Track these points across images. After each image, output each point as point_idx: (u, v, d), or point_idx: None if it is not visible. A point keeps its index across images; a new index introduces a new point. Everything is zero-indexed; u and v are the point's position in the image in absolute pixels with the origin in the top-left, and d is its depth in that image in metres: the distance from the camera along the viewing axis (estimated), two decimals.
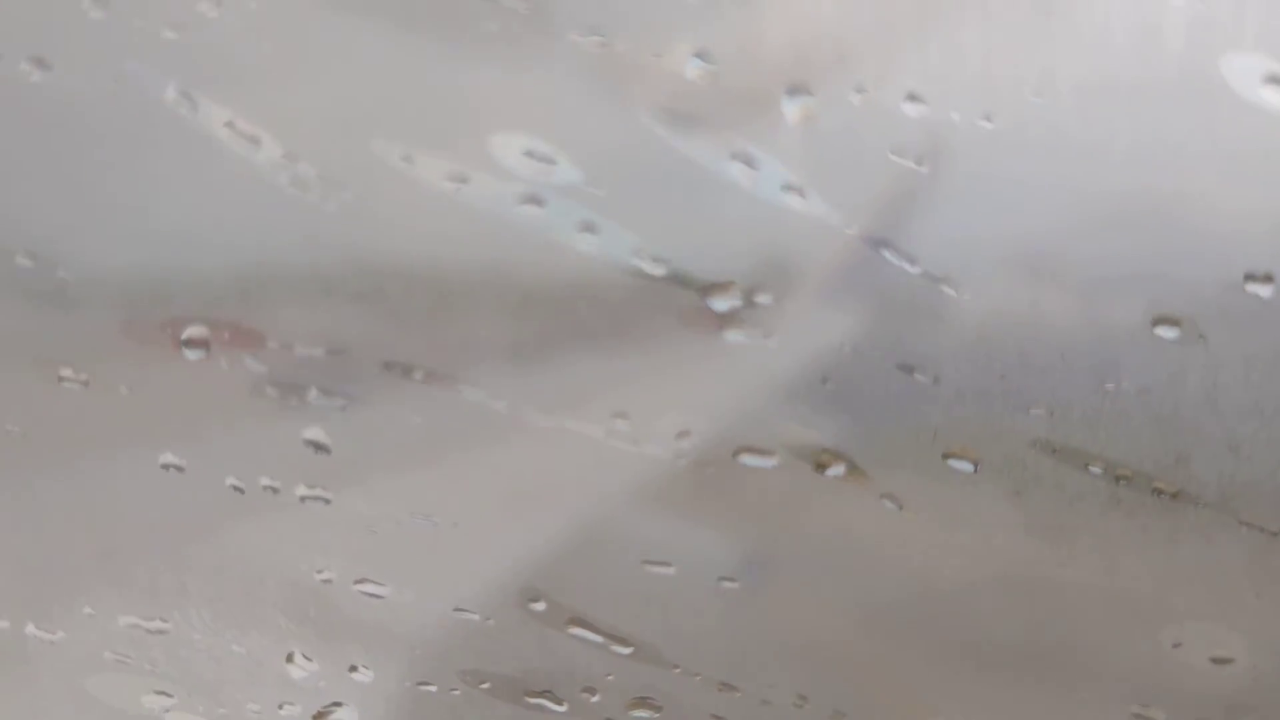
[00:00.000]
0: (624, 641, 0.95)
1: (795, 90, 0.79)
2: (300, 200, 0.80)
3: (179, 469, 0.90)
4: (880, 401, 0.89)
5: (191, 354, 0.80)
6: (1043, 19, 0.78)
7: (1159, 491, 0.90)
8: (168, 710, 1.00)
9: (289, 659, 0.97)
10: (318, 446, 0.89)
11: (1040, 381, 0.88)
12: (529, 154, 0.80)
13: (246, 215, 0.81)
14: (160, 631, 0.98)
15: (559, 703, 0.96)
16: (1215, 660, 0.92)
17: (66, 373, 0.86)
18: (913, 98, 0.80)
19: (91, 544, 0.93)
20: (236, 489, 0.91)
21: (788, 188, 0.82)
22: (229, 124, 0.80)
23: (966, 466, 0.88)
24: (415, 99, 0.81)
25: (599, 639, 0.95)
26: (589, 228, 0.81)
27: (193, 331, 0.83)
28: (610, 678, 0.96)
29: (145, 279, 0.82)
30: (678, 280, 0.84)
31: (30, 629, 0.98)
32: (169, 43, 0.77)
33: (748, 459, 0.90)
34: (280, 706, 0.99)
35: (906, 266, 0.84)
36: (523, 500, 0.91)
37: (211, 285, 0.81)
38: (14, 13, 0.79)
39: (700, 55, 0.78)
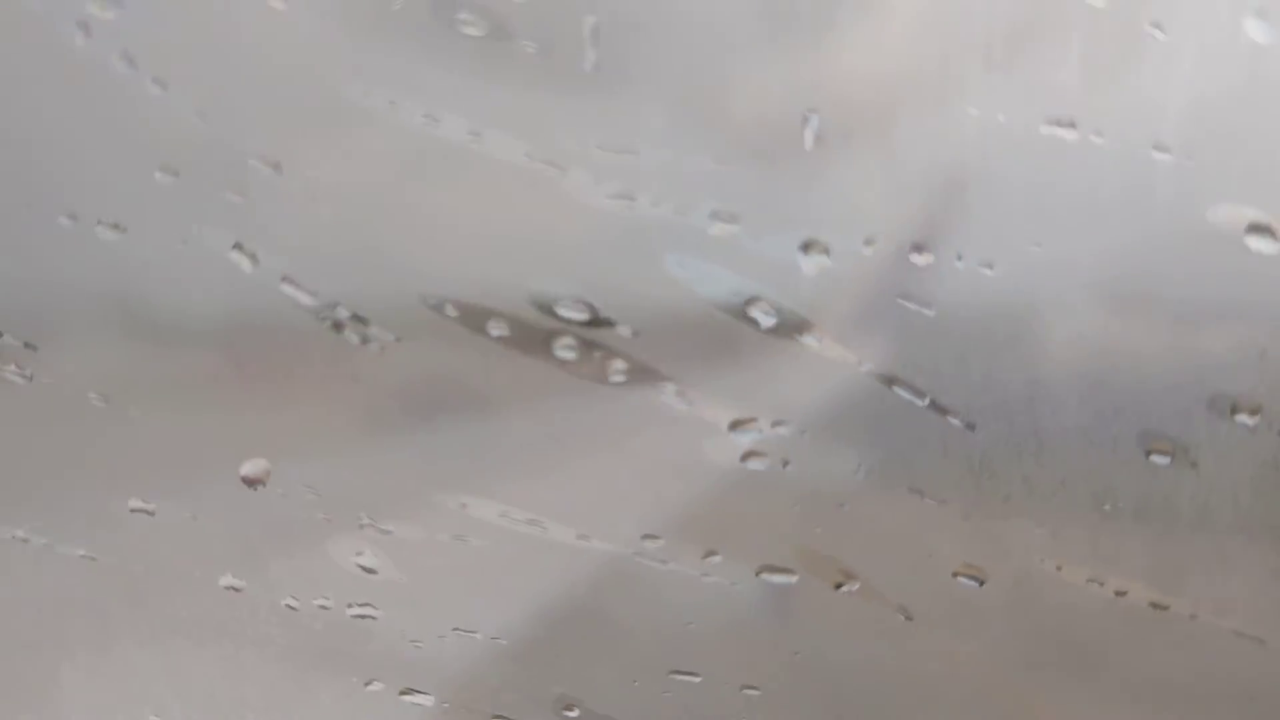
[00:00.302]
0: None
1: (809, 245, 0.84)
2: (346, 344, 0.86)
3: (237, 590, 0.96)
4: (892, 523, 0.94)
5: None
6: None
7: (1156, 605, 0.94)
8: None
9: None
10: (366, 569, 0.94)
11: (1043, 504, 0.92)
12: (567, 302, 0.85)
13: (289, 357, 0.87)
14: None
15: None
16: None
17: (136, 503, 0.92)
18: (919, 248, 0.85)
19: (156, 657, 0.98)
20: (290, 608, 0.96)
21: (804, 330, 0.87)
22: (286, 278, 0.86)
23: (973, 583, 0.94)
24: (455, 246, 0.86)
25: None
26: (618, 369, 0.87)
27: (250, 469, 0.89)
28: None
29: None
30: (702, 415, 0.90)
31: None
32: (232, 206, 0.83)
33: (770, 577, 0.95)
34: None
35: (915, 400, 0.89)
36: (557, 615, 0.95)
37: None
38: (93, 178, 0.84)
39: (719, 216, 0.83)
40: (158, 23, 0.79)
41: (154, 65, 0.79)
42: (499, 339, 0.86)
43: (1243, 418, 0.85)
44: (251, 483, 0.87)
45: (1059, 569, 0.91)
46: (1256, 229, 0.83)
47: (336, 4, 0.80)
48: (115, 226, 0.82)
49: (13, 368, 0.87)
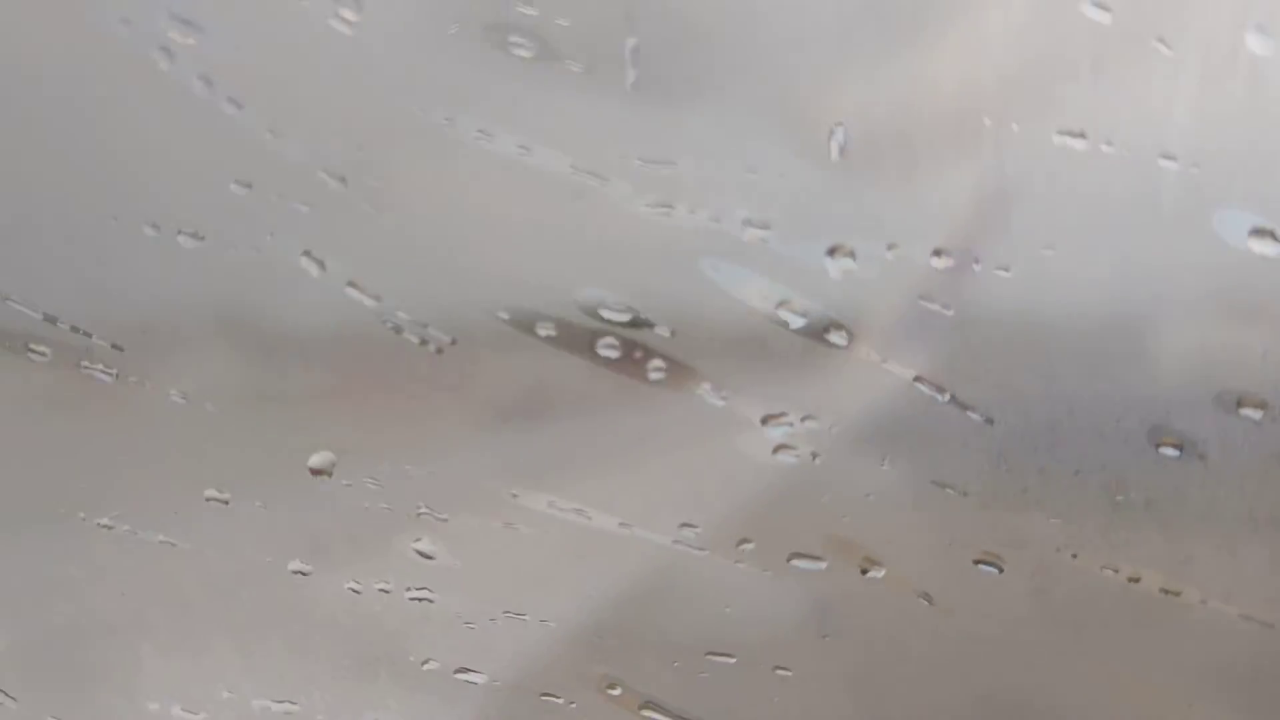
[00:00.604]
0: None
1: (835, 249, 0.88)
2: (406, 346, 0.91)
3: (304, 574, 1.00)
4: (916, 513, 0.97)
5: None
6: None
7: (1167, 591, 0.97)
8: None
9: None
10: (424, 555, 0.99)
11: (1058, 496, 0.95)
12: (610, 305, 0.90)
13: (352, 357, 0.92)
14: (289, 714, 1.08)
15: None
16: None
17: (211, 493, 0.98)
18: (938, 253, 0.89)
19: (229, 638, 1.03)
20: (354, 591, 1.00)
21: (831, 329, 0.91)
22: (351, 283, 0.91)
23: (993, 570, 0.97)
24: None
25: None
26: (657, 367, 0.91)
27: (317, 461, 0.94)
28: None
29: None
30: (735, 411, 0.93)
31: (176, 710, 1.08)
32: (301, 215, 0.88)
33: (800, 563, 0.99)
34: None
35: (936, 396, 0.92)
36: (601, 600, 0.99)
37: None
38: (174, 191, 0.89)
39: (752, 222, 0.87)
40: (233, 47, 0.84)
41: (229, 86, 0.85)
42: (547, 339, 0.91)
43: (1248, 412, 0.89)
44: (318, 473, 0.92)
45: (1074, 557, 0.94)
46: (1259, 233, 0.86)
47: (398, 29, 0.85)
48: (194, 235, 0.87)
49: (101, 367, 0.93)
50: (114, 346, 0.91)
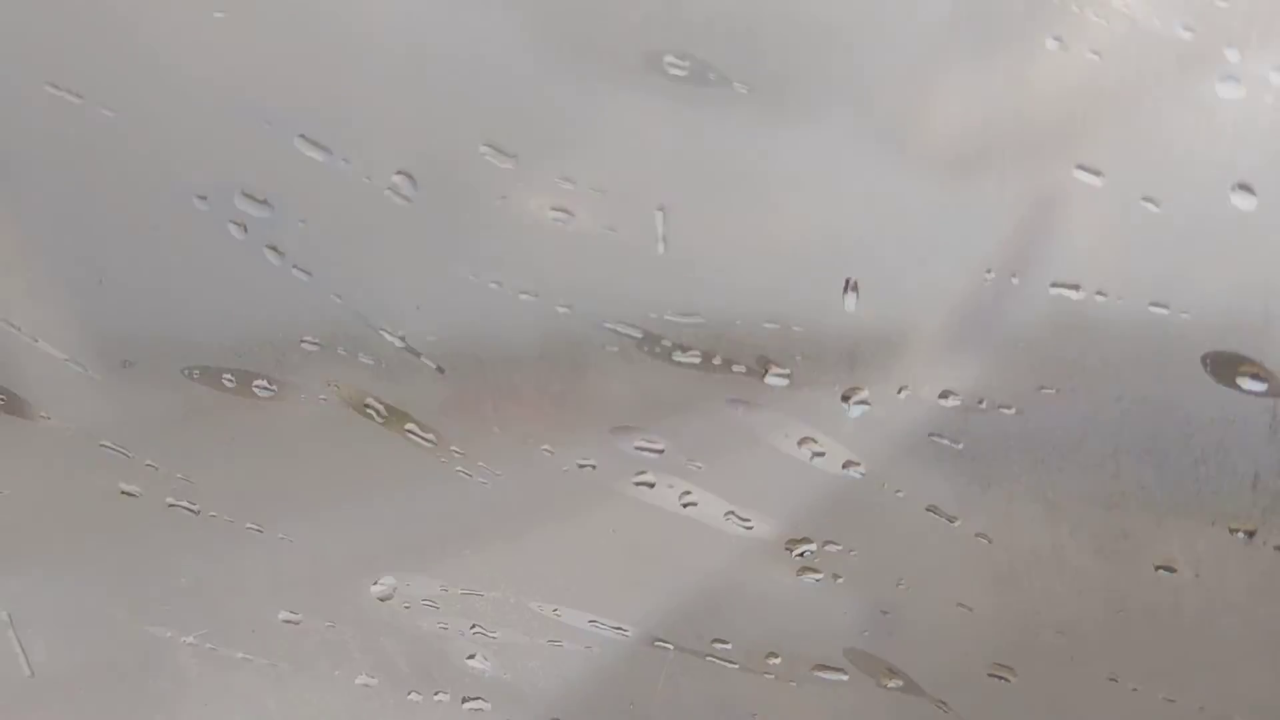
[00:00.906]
0: None
1: (851, 392, 0.96)
2: (469, 483, 0.99)
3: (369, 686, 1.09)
4: (930, 627, 1.04)
5: None
6: None
7: (1168, 700, 1.03)
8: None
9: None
10: (477, 669, 1.08)
11: (1061, 613, 1.02)
12: (640, 447, 0.98)
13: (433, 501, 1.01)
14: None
15: None
16: None
17: (285, 615, 1.07)
18: (946, 394, 0.96)
19: None
20: (414, 701, 1.09)
21: (848, 464, 0.98)
22: (409, 429, 1.00)
23: (1003, 680, 1.03)
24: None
25: None
26: (692, 500, 0.99)
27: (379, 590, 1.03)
28: None
29: None
30: (759, 535, 1.01)
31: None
32: (366, 367, 0.98)
33: (823, 674, 1.06)
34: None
35: (948, 523, 0.99)
36: (639, 711, 1.08)
37: None
38: (250, 348, 0.99)
39: (771, 360, 0.95)
40: (299, 220, 0.93)
41: (298, 255, 0.94)
42: (583, 469, 0.99)
43: (1240, 536, 0.95)
44: (383, 599, 1.01)
45: (1079, 669, 1.01)
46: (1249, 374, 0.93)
47: (448, 199, 0.94)
48: (268, 386, 0.97)
49: (186, 503, 1.03)
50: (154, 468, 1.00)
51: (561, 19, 0.88)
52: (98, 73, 0.89)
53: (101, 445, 0.95)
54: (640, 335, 0.91)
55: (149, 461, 0.96)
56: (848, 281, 0.89)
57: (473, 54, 0.88)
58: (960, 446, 0.92)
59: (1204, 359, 0.90)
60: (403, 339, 0.92)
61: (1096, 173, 0.87)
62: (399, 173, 0.88)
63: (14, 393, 0.96)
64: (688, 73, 0.86)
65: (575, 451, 0.93)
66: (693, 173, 0.90)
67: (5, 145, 0.91)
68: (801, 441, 0.92)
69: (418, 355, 0.93)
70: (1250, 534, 0.91)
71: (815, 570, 0.96)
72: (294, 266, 0.91)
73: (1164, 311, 0.89)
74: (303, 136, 0.88)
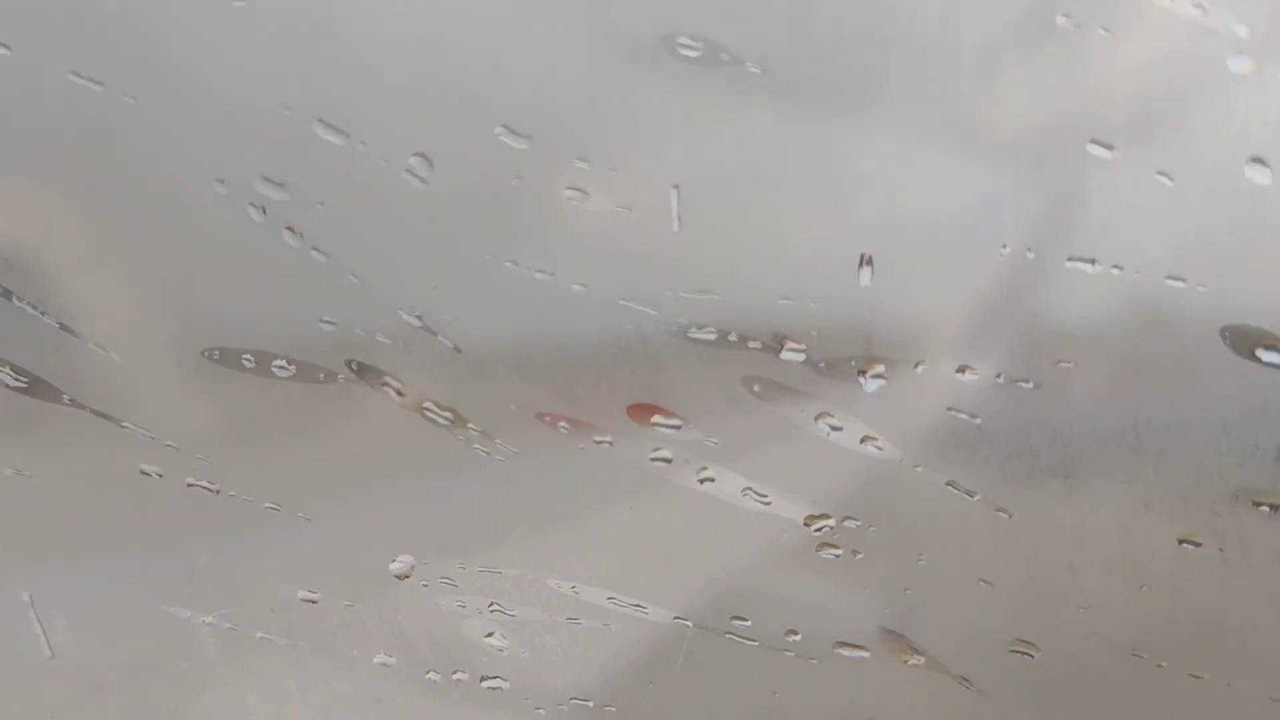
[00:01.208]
0: None
1: (867, 366, 0.97)
2: (484, 460, 1.02)
3: (388, 665, 1.11)
4: (952, 604, 1.05)
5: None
6: None
7: (1194, 676, 1.04)
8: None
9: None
10: (496, 647, 1.10)
11: (1084, 588, 1.03)
12: (657, 424, 1.00)
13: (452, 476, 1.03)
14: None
15: None
16: None
17: (304, 593, 1.09)
18: (964, 368, 0.97)
19: None
20: (433, 681, 1.11)
21: (865, 439, 1.00)
22: (425, 407, 1.02)
23: (1027, 656, 1.04)
24: None
25: None
26: (709, 477, 1.01)
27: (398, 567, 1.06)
28: None
29: None
30: (777, 512, 1.02)
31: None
32: (383, 346, 1.00)
33: (844, 652, 1.07)
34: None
35: (968, 498, 1.00)
36: (659, 685, 1.09)
37: None
38: (267, 329, 1.01)
39: (786, 335, 0.97)
40: (318, 203, 0.96)
41: (316, 237, 0.96)
42: (601, 445, 1.00)
43: (1264, 510, 0.96)
44: (401, 577, 1.03)
45: (1103, 645, 1.02)
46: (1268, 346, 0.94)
47: (465, 181, 0.96)
48: (286, 365, 0.99)
49: (205, 482, 1.05)
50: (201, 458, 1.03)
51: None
52: (118, 60, 0.92)
53: (123, 426, 0.98)
54: (655, 312, 0.93)
55: (169, 442, 0.98)
56: (862, 256, 0.91)
57: (487, 35, 0.90)
58: (979, 421, 0.94)
59: (1222, 332, 0.91)
60: (419, 318, 0.94)
61: (1109, 146, 0.88)
62: (416, 154, 0.90)
63: (37, 376, 0.99)
64: (700, 54, 0.88)
65: (592, 429, 0.95)
66: (706, 152, 0.91)
67: (27, 132, 0.94)
68: (818, 417, 0.94)
69: (434, 335, 0.95)
70: (1274, 508, 0.92)
71: (835, 546, 0.98)
72: (312, 248, 0.93)
73: (1180, 285, 0.91)
74: (321, 121, 0.90)
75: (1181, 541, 0.96)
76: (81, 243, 0.99)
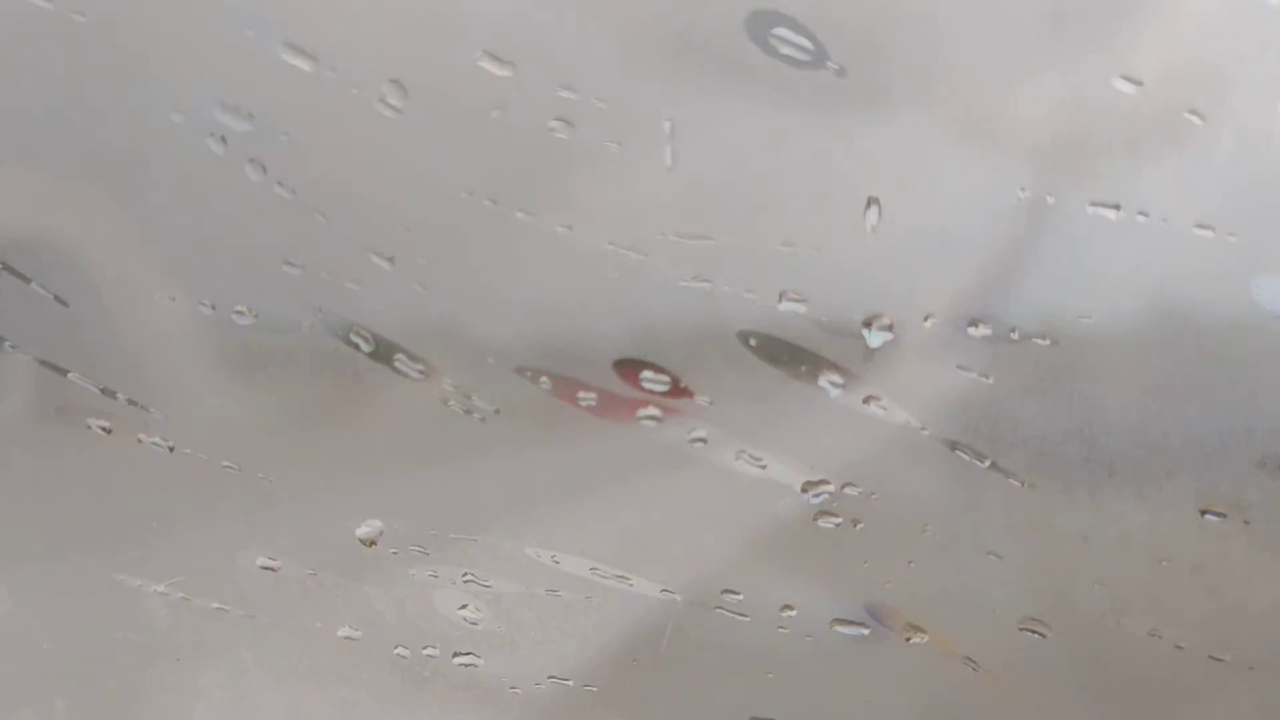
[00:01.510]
0: None
1: (872, 319, 0.92)
2: (462, 420, 0.96)
3: (353, 639, 1.06)
4: (958, 579, 1.01)
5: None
6: None
7: (1215, 659, 0.99)
8: None
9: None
10: (470, 621, 1.04)
11: (1099, 562, 0.98)
12: (645, 379, 0.95)
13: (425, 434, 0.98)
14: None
15: None
16: None
17: (262, 560, 1.04)
18: (975, 322, 0.93)
19: (282, 703, 1.09)
20: (401, 656, 1.06)
21: (869, 399, 0.95)
22: (397, 357, 0.96)
23: (1037, 636, 1.00)
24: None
25: None
26: (701, 438, 0.96)
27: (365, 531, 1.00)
28: None
29: None
30: (773, 477, 0.98)
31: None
32: (351, 292, 0.94)
33: (842, 629, 1.02)
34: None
35: (977, 463, 0.96)
36: (644, 661, 1.04)
37: None
38: (226, 271, 0.96)
39: (792, 296, 0.92)
40: (282, 134, 0.90)
41: (281, 171, 0.91)
42: (588, 408, 0.95)
43: None
44: (368, 543, 0.97)
45: (1119, 623, 0.97)
46: None
47: (441, 113, 0.91)
48: (249, 313, 0.94)
49: (144, 436, 0.99)
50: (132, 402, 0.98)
51: None
52: None
53: (67, 376, 0.92)
54: (645, 258, 0.88)
55: (120, 394, 0.93)
56: (870, 199, 0.86)
57: None
58: (990, 380, 0.89)
59: (1255, 284, 0.87)
60: (390, 262, 0.89)
61: (1138, 82, 0.84)
62: (390, 81, 0.85)
63: None
64: None
65: (574, 383, 0.90)
66: (697, 80, 0.87)
67: None
68: (819, 374, 0.89)
69: (407, 280, 0.90)
70: None
71: (834, 515, 0.92)
72: (276, 183, 0.88)
73: (1209, 234, 0.86)
74: (288, 44, 0.85)
75: (1204, 512, 0.92)
76: (25, 178, 0.93)
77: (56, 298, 0.94)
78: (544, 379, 0.93)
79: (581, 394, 0.94)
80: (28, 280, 0.94)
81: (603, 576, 0.99)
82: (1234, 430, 0.91)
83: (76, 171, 0.92)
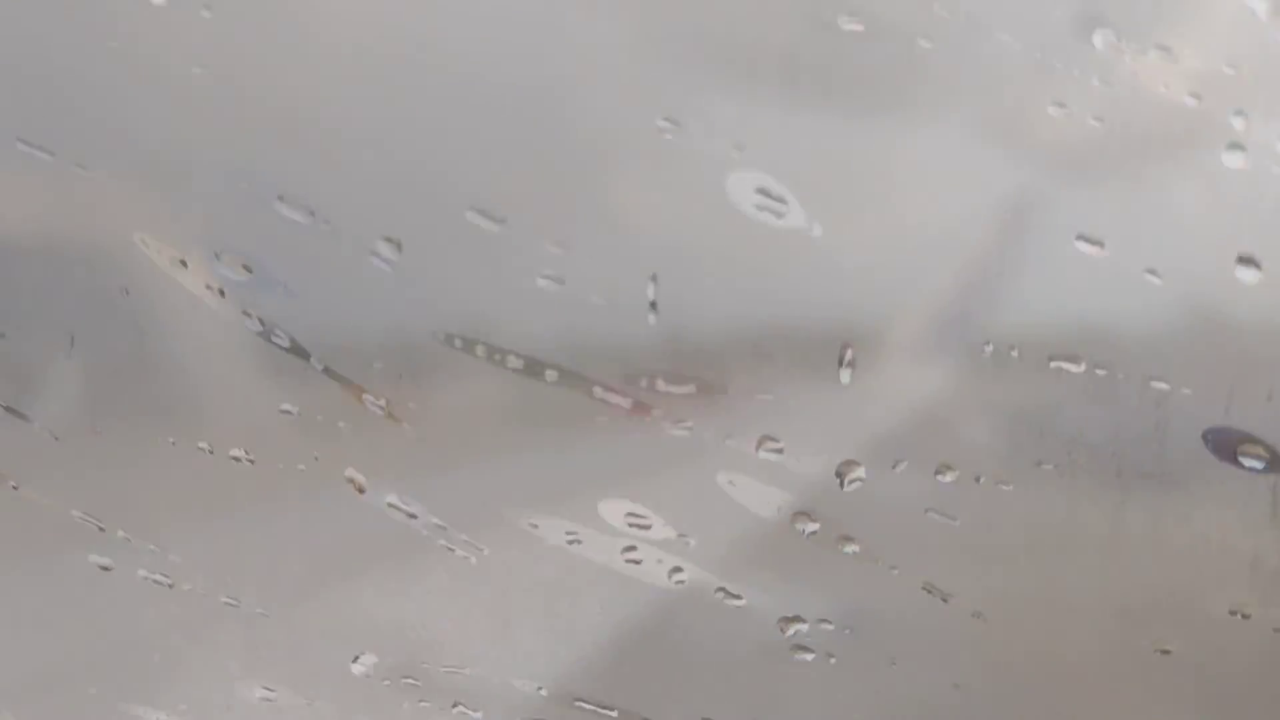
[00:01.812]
0: None
1: (846, 465, 0.98)
2: (450, 558, 1.02)
3: None
4: (925, 709, 1.05)
5: None
6: None
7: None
8: None
9: None
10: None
11: (1060, 688, 1.03)
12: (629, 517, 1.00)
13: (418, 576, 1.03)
14: None
15: None
16: None
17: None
18: (943, 469, 0.98)
19: None
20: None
21: (844, 541, 1.00)
22: (390, 501, 1.02)
23: None
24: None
25: None
26: (680, 579, 1.01)
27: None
28: None
29: None
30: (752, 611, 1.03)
31: None
32: (343, 434, 1.00)
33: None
34: None
35: (940, 603, 1.01)
36: None
37: None
38: (226, 415, 1.01)
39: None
40: (280, 286, 0.96)
41: (277, 321, 0.96)
42: (571, 543, 1.00)
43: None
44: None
45: None
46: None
47: (433, 266, 0.97)
48: (246, 457, 0.98)
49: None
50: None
51: None
52: (73, 130, 0.92)
53: (70, 512, 0.98)
54: (629, 405, 0.94)
55: (120, 532, 0.98)
56: (842, 356, 0.91)
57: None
58: (957, 523, 0.95)
59: (1205, 435, 0.92)
60: (384, 407, 0.94)
61: (1099, 244, 0.89)
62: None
63: None
64: None
65: (563, 524, 0.96)
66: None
67: None
68: (795, 516, 0.94)
69: (398, 422, 0.95)
70: None
71: (808, 649, 0.98)
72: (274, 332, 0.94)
73: (1164, 387, 0.92)
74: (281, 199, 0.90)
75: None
76: (42, 312, 0.99)
77: (47, 431, 1.00)
78: (531, 523, 0.99)
79: (568, 536, 0.99)
80: (25, 419, 1.00)
81: (586, 708, 1.04)
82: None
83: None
